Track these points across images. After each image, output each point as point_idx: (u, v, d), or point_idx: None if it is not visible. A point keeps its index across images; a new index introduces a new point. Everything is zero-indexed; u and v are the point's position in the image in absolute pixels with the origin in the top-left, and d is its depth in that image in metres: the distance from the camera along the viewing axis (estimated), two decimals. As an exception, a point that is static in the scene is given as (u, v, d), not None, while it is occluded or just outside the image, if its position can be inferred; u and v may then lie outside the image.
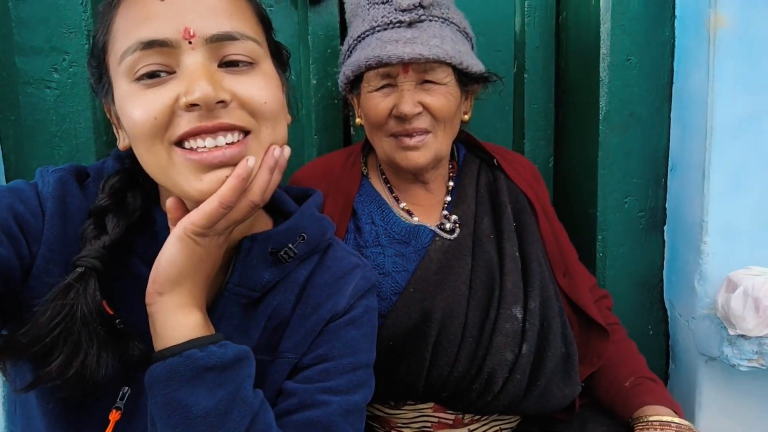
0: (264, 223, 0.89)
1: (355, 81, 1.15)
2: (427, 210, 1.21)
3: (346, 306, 0.87)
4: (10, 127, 1.21)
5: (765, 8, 1.26)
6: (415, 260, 1.13)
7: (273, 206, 0.92)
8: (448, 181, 1.24)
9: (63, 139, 1.22)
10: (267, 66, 0.76)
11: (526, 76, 1.57)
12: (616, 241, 1.45)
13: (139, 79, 0.69)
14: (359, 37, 1.11)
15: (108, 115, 0.80)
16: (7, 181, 1.22)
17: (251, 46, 0.73)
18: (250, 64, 0.73)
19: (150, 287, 0.73)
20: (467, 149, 1.29)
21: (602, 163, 1.43)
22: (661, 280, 1.49)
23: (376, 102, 1.10)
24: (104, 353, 0.71)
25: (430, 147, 1.11)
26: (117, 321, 0.74)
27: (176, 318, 0.72)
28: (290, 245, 0.83)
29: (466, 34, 1.14)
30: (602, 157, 1.42)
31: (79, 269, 0.71)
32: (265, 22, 0.81)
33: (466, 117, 1.21)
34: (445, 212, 1.19)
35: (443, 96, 1.08)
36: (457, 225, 1.16)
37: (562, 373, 1.12)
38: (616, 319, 1.31)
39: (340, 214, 1.16)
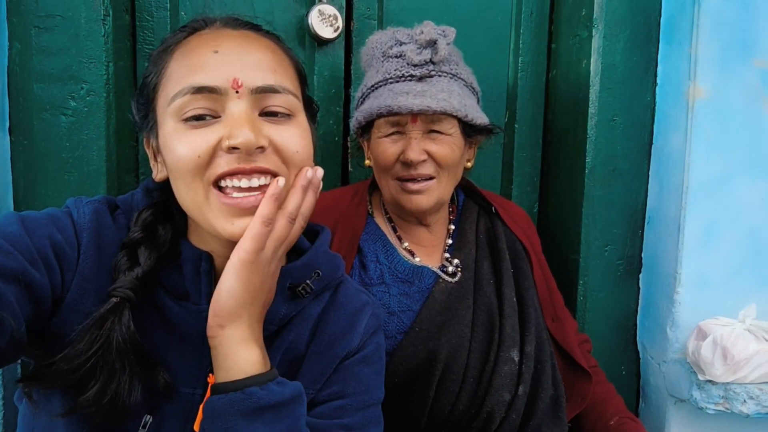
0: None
1: (367, 126, 1.21)
2: (428, 251, 1.27)
3: (359, 344, 0.91)
4: (22, 152, 1.21)
5: (737, 84, 1.39)
6: (419, 300, 1.18)
7: None
8: (449, 224, 1.31)
9: (74, 165, 1.23)
10: (302, 118, 0.82)
11: (516, 125, 1.67)
12: (596, 286, 1.55)
13: (187, 120, 0.74)
14: (372, 86, 1.19)
15: (146, 149, 0.84)
16: (16, 206, 1.21)
17: (290, 100, 0.79)
18: (288, 116, 0.79)
19: (211, 320, 0.75)
20: (466, 195, 1.37)
21: (586, 213, 1.53)
22: (635, 324, 1.59)
23: (384, 147, 1.17)
24: (135, 381, 0.74)
25: (433, 192, 1.18)
26: (146, 350, 0.76)
27: (238, 352, 0.75)
28: (307, 281, 0.87)
29: (473, 88, 1.22)
30: (586, 207, 1.52)
31: (114, 299, 0.73)
32: (302, 78, 0.87)
33: (469, 164, 1.29)
34: (447, 255, 1.25)
35: (447, 145, 1.15)
36: (459, 269, 1.22)
37: (552, 413, 1.19)
38: (596, 362, 1.40)
39: (347, 250, 1.21)
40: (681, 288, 1.43)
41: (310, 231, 0.97)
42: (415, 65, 1.14)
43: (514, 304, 1.20)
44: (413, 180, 1.17)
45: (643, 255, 1.57)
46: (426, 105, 1.08)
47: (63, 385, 0.72)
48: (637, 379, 1.61)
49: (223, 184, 0.75)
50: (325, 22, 1.48)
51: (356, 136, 1.28)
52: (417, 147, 1.13)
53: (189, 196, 0.76)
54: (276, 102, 0.77)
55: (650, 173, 1.55)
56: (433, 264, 1.24)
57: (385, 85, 1.16)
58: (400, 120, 1.14)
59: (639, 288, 1.58)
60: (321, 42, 1.51)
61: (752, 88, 1.40)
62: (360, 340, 0.91)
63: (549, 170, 1.69)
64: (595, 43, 1.48)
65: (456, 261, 1.23)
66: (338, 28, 1.48)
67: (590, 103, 1.49)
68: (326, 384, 0.88)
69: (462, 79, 1.19)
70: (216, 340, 0.75)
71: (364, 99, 1.22)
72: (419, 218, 1.26)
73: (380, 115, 1.14)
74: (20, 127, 1.21)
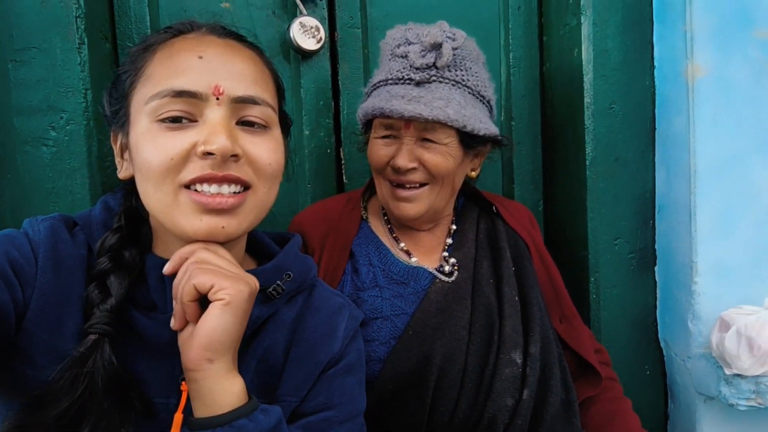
0: (248, 265, 0.92)
1: (368, 124, 1.18)
2: (426, 251, 1.22)
3: (340, 349, 0.90)
4: (6, 185, 1.20)
5: (738, 58, 1.32)
6: (414, 302, 1.13)
7: (256, 249, 0.96)
8: (450, 224, 1.26)
9: (59, 195, 1.22)
10: (276, 131, 0.83)
11: (513, 123, 1.62)
12: (609, 283, 1.47)
13: (163, 121, 0.74)
14: (374, 84, 1.15)
15: (113, 144, 0.84)
16: (2, 239, 1.21)
17: (268, 112, 0.80)
18: (264, 128, 0.81)
19: (199, 354, 0.72)
20: (466, 197, 1.32)
21: (591, 207, 1.46)
22: (655, 320, 1.51)
23: (377, 149, 1.13)
24: (125, 415, 0.73)
25: (422, 200, 1.13)
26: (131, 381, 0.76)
27: (224, 385, 0.73)
28: (278, 282, 0.86)
29: (482, 97, 1.14)
30: (591, 200, 1.46)
31: (92, 337, 0.73)
32: (280, 92, 0.89)
33: (473, 174, 1.23)
34: (445, 254, 1.21)
35: (441, 155, 1.09)
36: (456, 268, 1.17)
37: (564, 419, 1.12)
38: (614, 375, 1.30)
39: (338, 255, 1.17)
40: (699, 278, 1.34)
41: (281, 238, 0.97)
42: (417, 68, 1.08)
43: (516, 304, 1.14)
44: (402, 186, 1.13)
45: (656, 246, 1.49)
46: (418, 112, 1.03)
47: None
48: (663, 378, 1.51)
49: (192, 188, 0.75)
50: (307, 34, 1.46)
51: (362, 132, 1.24)
52: (407, 154, 1.09)
53: (156, 196, 0.75)
54: (254, 113, 0.79)
55: (656, 160, 1.48)
56: (431, 265, 1.19)
57: (385, 85, 1.12)
58: (393, 123, 1.10)
59: (655, 281, 1.50)
60: (305, 54, 1.49)
61: (756, 60, 1.33)
62: (341, 345, 0.90)
63: (550, 166, 1.62)
64: (585, 30, 1.43)
65: (453, 260, 1.18)
66: (321, 39, 1.46)
67: (585, 92, 1.44)
68: (312, 394, 0.87)
69: (468, 87, 1.11)
70: (201, 374, 0.72)
71: (367, 96, 1.18)
72: (412, 225, 1.21)
73: (374, 116, 1.11)
74: (3, 162, 1.20)
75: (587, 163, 1.44)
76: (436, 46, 1.07)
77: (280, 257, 0.89)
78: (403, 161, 1.09)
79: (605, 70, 1.43)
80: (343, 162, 1.54)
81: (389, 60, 1.14)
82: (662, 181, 1.46)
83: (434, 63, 1.07)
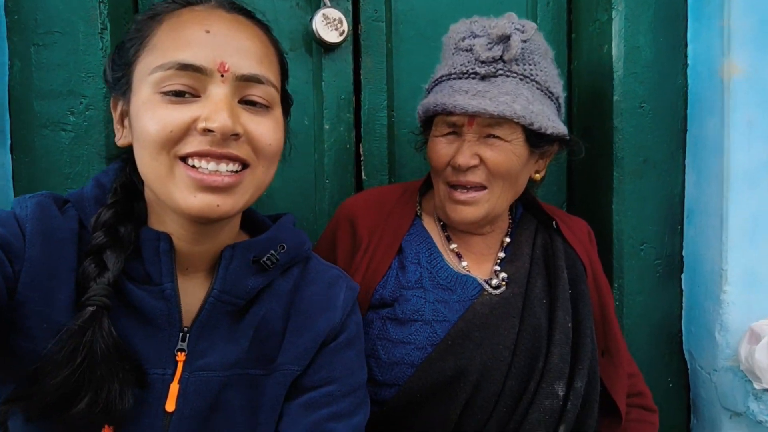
0: (242, 239, 0.93)
1: (427, 122, 1.14)
2: (478, 258, 1.17)
3: (341, 320, 0.92)
4: (24, 168, 1.21)
5: (778, 57, 1.26)
6: (458, 311, 1.07)
7: (251, 224, 0.97)
8: (504, 236, 1.20)
9: (75, 181, 1.22)
10: (278, 111, 0.83)
11: (538, 121, 1.57)
12: (633, 289, 1.42)
13: (166, 93, 0.74)
14: (437, 80, 1.11)
15: (113, 111, 0.85)
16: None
17: (271, 92, 0.80)
18: (266, 108, 0.80)
19: None
20: (524, 207, 1.25)
21: (617, 209, 1.41)
22: (680, 330, 1.45)
23: (438, 147, 1.09)
24: (125, 387, 0.74)
25: (482, 204, 1.08)
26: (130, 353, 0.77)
27: None
28: (272, 251, 0.86)
29: (550, 93, 1.08)
30: (616, 202, 1.41)
31: (90, 308, 0.73)
32: (284, 72, 0.89)
33: (537, 176, 1.17)
34: (497, 267, 1.14)
35: (503, 152, 1.04)
36: (505, 282, 1.11)
37: None
38: (647, 404, 1.24)
39: (386, 249, 1.13)
40: (728, 287, 1.29)
41: (273, 216, 0.99)
42: (482, 62, 1.02)
43: (568, 331, 1.06)
44: (462, 188, 1.08)
45: (684, 253, 1.44)
46: (482, 107, 0.98)
47: (51, 401, 0.71)
48: (686, 391, 1.46)
49: (190, 162, 0.75)
50: (330, 26, 1.44)
51: (420, 131, 1.21)
52: (468, 151, 1.04)
53: (152, 166, 0.76)
54: (257, 92, 0.78)
55: (686, 162, 1.42)
56: (481, 274, 1.13)
57: (448, 80, 1.07)
58: (456, 120, 1.05)
59: (681, 289, 1.44)
60: (328, 47, 1.47)
61: (797, 61, 1.26)
62: (341, 316, 0.92)
63: (575, 166, 1.58)
64: (616, 25, 1.38)
65: (503, 274, 1.11)
66: (344, 31, 1.44)
67: (614, 90, 1.39)
68: (313, 368, 0.89)
69: (536, 82, 1.05)
70: None
71: (428, 92, 1.14)
72: (468, 229, 1.16)
73: (436, 113, 1.07)
74: (21, 145, 1.21)
75: (614, 163, 1.39)
76: (504, 39, 1.01)
77: (273, 229, 0.90)
78: (463, 158, 1.03)
79: (636, 68, 1.38)
80: (362, 158, 1.52)
81: (453, 54, 1.08)
82: (692, 185, 1.41)
83: (501, 56, 1.02)
